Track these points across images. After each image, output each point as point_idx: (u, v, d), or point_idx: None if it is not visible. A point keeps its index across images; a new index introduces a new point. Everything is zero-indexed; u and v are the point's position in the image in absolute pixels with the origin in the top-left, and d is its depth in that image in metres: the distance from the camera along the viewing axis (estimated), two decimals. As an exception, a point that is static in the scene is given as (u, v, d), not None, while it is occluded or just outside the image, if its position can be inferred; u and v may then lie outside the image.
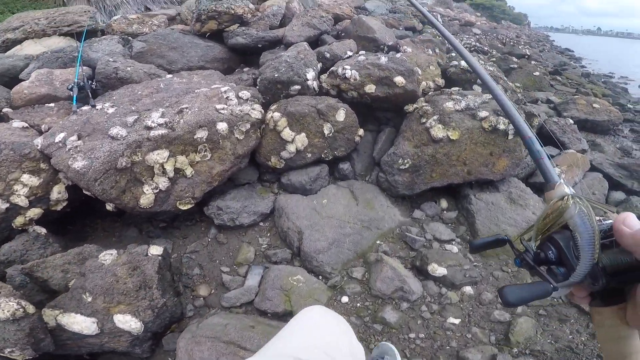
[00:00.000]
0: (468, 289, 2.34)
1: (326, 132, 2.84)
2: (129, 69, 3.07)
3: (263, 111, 2.80)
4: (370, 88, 3.11)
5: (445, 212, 2.89)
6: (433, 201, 2.94)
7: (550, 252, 0.60)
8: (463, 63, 3.89)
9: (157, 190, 2.29)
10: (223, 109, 2.55)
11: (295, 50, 3.19)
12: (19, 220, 2.20)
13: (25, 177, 2.20)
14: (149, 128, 2.29)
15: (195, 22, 3.92)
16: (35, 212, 2.25)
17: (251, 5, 4.03)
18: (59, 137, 2.27)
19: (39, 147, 2.27)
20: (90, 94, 2.77)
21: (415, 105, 3.18)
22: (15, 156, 2.20)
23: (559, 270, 0.58)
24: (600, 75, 10.84)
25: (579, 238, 0.54)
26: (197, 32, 3.93)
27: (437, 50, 4.41)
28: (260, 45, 3.85)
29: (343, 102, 3.10)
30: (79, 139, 2.27)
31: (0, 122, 2.60)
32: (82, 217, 2.64)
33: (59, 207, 2.34)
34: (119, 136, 2.22)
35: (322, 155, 2.92)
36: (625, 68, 15.20)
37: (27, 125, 2.57)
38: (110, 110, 2.50)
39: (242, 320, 2.00)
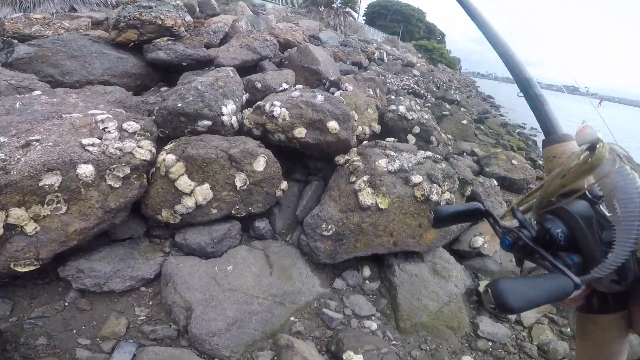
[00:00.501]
0: None
1: (239, 184, 2.21)
2: None
3: (154, 150, 2.16)
4: (300, 132, 2.60)
5: (367, 281, 2.49)
6: (356, 269, 2.52)
7: (558, 230, 0.40)
8: (401, 109, 3.38)
9: None
10: (92, 145, 1.84)
11: (214, 76, 2.48)
12: None
13: None
14: None
15: (112, 29, 3.03)
16: None
17: (188, 18, 3.26)
18: None
19: None
20: None
21: (347, 157, 2.76)
22: None
23: (571, 258, 0.39)
24: (515, 125, 11.42)
25: (617, 209, 0.35)
26: (112, 41, 3.06)
27: (377, 91, 3.96)
28: (185, 64, 3.09)
29: (267, 145, 2.58)
30: None
31: None
32: None
33: None
34: None
35: (233, 211, 2.34)
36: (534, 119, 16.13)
37: None
38: None
39: None
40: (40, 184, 1.66)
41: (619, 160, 0.37)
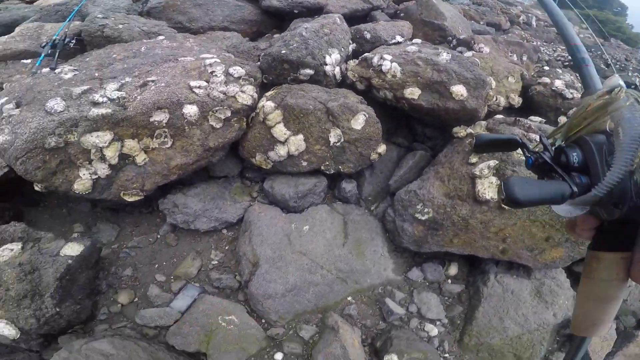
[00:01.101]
0: None
1: (332, 140, 2.17)
2: (120, 26, 2.57)
3: (256, 95, 2.24)
4: (413, 93, 2.32)
5: (449, 281, 2.23)
6: (441, 263, 2.26)
7: (574, 154, 0.48)
8: (557, 83, 2.83)
9: (96, 177, 1.88)
10: (199, 87, 1.98)
11: (320, 22, 2.39)
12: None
13: None
14: (95, 104, 1.85)
15: None
16: None
17: None
18: (0, 102, 1.90)
19: None
20: (57, 53, 2.22)
21: (470, 130, 2.38)
22: None
23: (580, 179, 0.47)
24: None
25: (620, 135, 0.42)
26: None
27: (524, 58, 3.29)
28: (296, 11, 3.04)
29: (370, 102, 2.39)
30: (17, 107, 1.88)
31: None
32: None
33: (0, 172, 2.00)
34: (53, 111, 1.80)
35: (322, 167, 2.30)
36: None
37: None
38: (67, 76, 2.07)
39: (134, 353, 1.62)
40: (151, 119, 1.88)
41: (632, 100, 0.43)
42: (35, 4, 3.91)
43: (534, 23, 6.50)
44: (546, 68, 3.48)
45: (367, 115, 2.22)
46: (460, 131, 2.36)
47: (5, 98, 1.91)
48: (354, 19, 3.19)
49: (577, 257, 2.01)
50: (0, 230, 1.76)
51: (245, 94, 2.13)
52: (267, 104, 2.14)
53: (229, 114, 2.05)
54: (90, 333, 1.81)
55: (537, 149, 0.54)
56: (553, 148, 0.51)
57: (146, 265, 2.06)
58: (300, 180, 2.28)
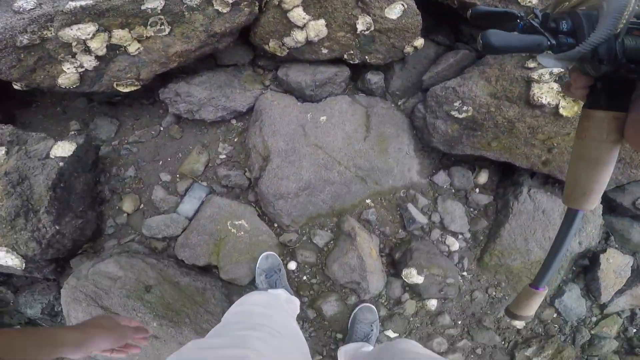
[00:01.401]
0: (431, 303, 1.93)
1: (360, 27, 1.88)
2: None
3: None
4: None
5: (477, 190, 2.10)
6: (470, 168, 2.10)
7: (563, 22, 0.51)
8: None
9: (83, 69, 1.68)
10: None
11: None
12: None
13: None
14: None
15: None
16: None
17: None
18: None
19: None
20: None
21: None
22: None
23: (566, 39, 0.50)
24: None
25: (604, 6, 0.45)
26: None
27: None
28: None
29: None
30: None
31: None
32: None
33: None
34: (22, 9, 1.56)
35: (346, 56, 2.01)
36: None
37: None
38: None
39: (142, 273, 1.64)
40: (143, 7, 1.58)
41: None
42: None
43: None
44: None
45: (405, 6, 1.82)
46: None
47: None
48: None
49: (624, 182, 1.84)
50: None
51: None
52: (283, -18, 1.74)
53: None
54: (100, 251, 1.79)
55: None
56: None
57: (149, 162, 1.97)
58: (319, 68, 2.01)
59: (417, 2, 1.89)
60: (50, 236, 1.51)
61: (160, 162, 1.97)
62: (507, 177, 2.09)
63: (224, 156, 2.00)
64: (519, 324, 2.05)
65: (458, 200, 2.02)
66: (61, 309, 1.81)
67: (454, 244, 1.93)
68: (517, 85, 1.77)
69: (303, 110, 1.96)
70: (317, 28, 1.84)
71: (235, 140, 2.03)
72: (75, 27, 1.54)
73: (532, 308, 1.16)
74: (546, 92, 1.70)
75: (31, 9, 1.54)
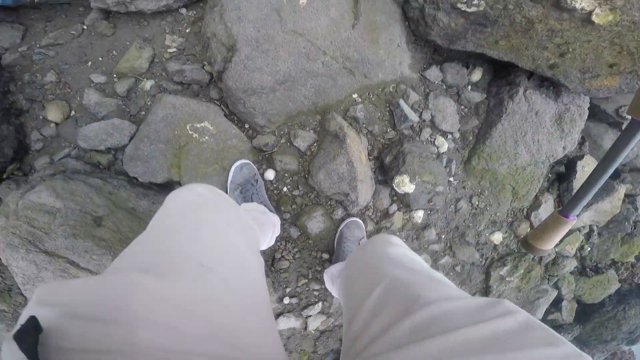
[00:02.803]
0: (418, 215, 1.84)
1: None
2: None
3: None
4: None
5: (470, 87, 1.95)
6: (464, 64, 1.92)
7: None
8: None
9: None
10: None
11: None
12: None
13: None
14: None
15: None
16: None
17: None
18: None
19: None
20: None
21: None
22: None
23: None
24: None
25: None
26: None
27: None
28: None
29: None
30: None
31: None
32: None
33: None
34: None
35: None
36: None
37: None
38: None
39: (87, 200, 1.26)
40: None
41: None
42: None
43: None
44: None
45: None
46: None
47: None
48: None
49: (625, 91, 1.78)
50: None
51: None
52: None
53: None
54: (31, 173, 1.43)
55: None
56: None
57: (74, 65, 1.51)
58: None
59: None
60: None
61: (89, 64, 1.54)
62: (500, 76, 1.96)
63: (174, 50, 1.56)
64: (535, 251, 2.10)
65: (450, 97, 1.87)
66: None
67: (444, 145, 1.82)
68: None
69: None
70: None
71: (188, 31, 1.59)
72: None
73: (555, 239, 1.05)
74: None
75: None
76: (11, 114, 1.46)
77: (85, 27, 1.56)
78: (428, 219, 1.87)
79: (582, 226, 2.32)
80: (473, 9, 1.56)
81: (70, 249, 1.21)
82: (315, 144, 1.62)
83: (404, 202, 1.75)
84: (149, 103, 1.52)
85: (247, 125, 1.58)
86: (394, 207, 1.76)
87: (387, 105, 1.75)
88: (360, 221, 1.66)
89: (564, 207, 1.00)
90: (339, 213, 1.66)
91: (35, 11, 1.57)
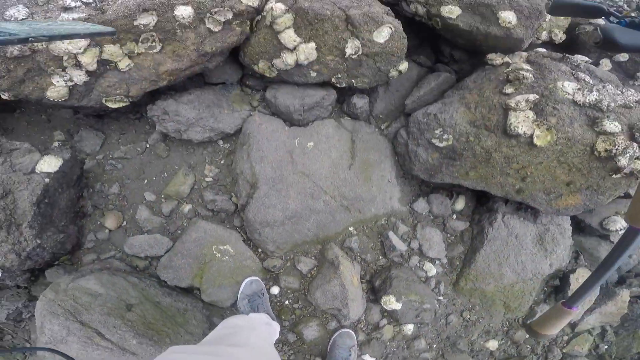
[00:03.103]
0: (408, 328, 2.06)
1: (349, 51, 1.99)
2: None
3: None
4: (452, 12, 2.03)
5: (455, 216, 2.27)
6: (448, 195, 2.28)
7: None
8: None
9: (72, 83, 1.69)
10: None
11: None
12: None
13: None
14: (65, 9, 1.60)
15: None
16: None
17: None
18: None
19: None
20: None
21: (507, 60, 2.14)
22: None
23: None
24: None
25: None
26: None
27: None
28: None
29: (396, 15, 2.09)
30: None
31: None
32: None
33: None
34: (13, 19, 1.56)
35: (333, 79, 2.11)
36: None
37: None
38: None
39: (124, 291, 1.68)
40: (135, 23, 1.62)
41: None
42: None
43: None
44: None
45: (393, 29, 1.94)
46: (496, 59, 2.14)
47: None
48: None
49: (591, 207, 2.04)
50: None
51: None
52: (276, 5, 1.82)
53: (230, 16, 1.75)
54: (78, 264, 1.82)
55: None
56: None
57: (134, 180, 2.01)
58: (307, 91, 2.11)
59: (402, 21, 2.01)
60: (30, 249, 1.56)
61: (145, 181, 2.01)
62: (482, 203, 2.28)
63: (211, 179, 2.06)
64: (526, 338, 2.14)
65: (436, 227, 2.19)
66: (29, 316, 1.84)
67: (432, 270, 2.10)
68: (495, 112, 1.93)
69: (291, 135, 2.06)
70: (308, 51, 1.92)
71: (222, 162, 2.09)
72: (66, 40, 1.54)
73: (557, 327, 1.19)
74: (522, 121, 1.86)
75: (23, 19, 1.55)
76: (78, 217, 1.83)
77: (147, 146, 2.04)
78: (418, 331, 2.08)
79: (591, 328, 2.40)
80: (444, 144, 1.97)
81: (102, 323, 1.58)
82: (315, 268, 1.98)
83: (393, 317, 1.99)
84: (185, 224, 1.98)
85: (260, 250, 1.99)
86: (384, 321, 2.01)
87: (379, 236, 2.11)
88: (352, 332, 1.91)
89: (567, 300, 1.08)
90: (333, 324, 1.93)
91: (114, 122, 2.10)
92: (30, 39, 0.60)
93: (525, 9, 1.95)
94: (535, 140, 1.83)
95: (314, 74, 2.02)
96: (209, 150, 2.10)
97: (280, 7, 1.81)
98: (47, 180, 1.60)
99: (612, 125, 1.77)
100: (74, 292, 1.58)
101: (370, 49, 1.95)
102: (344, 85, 2.10)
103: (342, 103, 2.29)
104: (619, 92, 1.89)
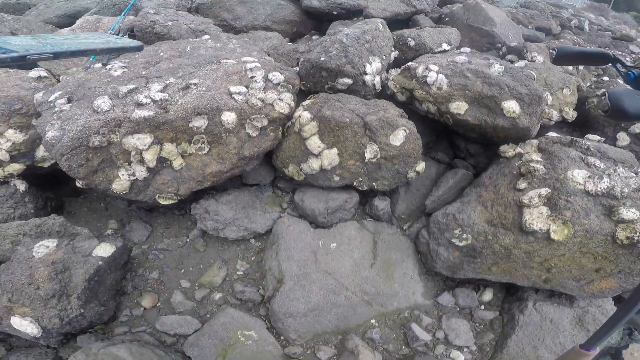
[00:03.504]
0: None
1: (368, 156, 2.26)
2: (169, 23, 2.68)
3: (293, 104, 2.32)
4: (459, 107, 2.30)
5: (482, 307, 2.22)
6: (474, 288, 2.26)
7: None
8: None
9: (134, 178, 2.02)
10: (238, 93, 2.14)
11: (361, 28, 2.40)
12: (-1, 173, 2.17)
13: (10, 133, 2.11)
14: (139, 105, 1.98)
15: None
16: (15, 167, 2.16)
17: None
18: (54, 96, 2.08)
19: (36, 103, 2.15)
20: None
21: (519, 150, 2.31)
22: (4, 110, 2.12)
23: None
24: None
25: None
26: None
27: (580, 67, 3.09)
28: (335, 13, 3.08)
29: (410, 114, 2.41)
30: (68, 102, 2.04)
31: (23, 69, 2.54)
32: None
33: (46, 164, 2.23)
34: (100, 109, 1.94)
35: (355, 183, 2.35)
36: None
37: (46, 74, 2.50)
38: (117, 73, 2.23)
39: None
40: (190, 125, 2.00)
41: None
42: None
43: (586, 27, 6.17)
44: (605, 78, 3.28)
45: (407, 131, 2.21)
46: (508, 150, 2.30)
47: (59, 92, 2.10)
48: (395, 23, 3.17)
49: (629, 288, 1.94)
50: (40, 223, 1.95)
51: (283, 102, 2.19)
52: (303, 114, 2.19)
53: (265, 122, 2.12)
54: (110, 334, 1.95)
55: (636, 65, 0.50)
56: None
57: (173, 269, 2.21)
58: (331, 195, 2.35)
59: (415, 121, 2.26)
60: (73, 316, 1.73)
61: (183, 270, 2.22)
62: (511, 293, 2.22)
63: (241, 272, 2.24)
64: None
65: (463, 317, 2.14)
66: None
67: (459, 357, 1.99)
68: (511, 210, 2.01)
69: (316, 237, 2.25)
70: (331, 157, 2.20)
71: (253, 259, 2.30)
72: (136, 135, 1.93)
73: None
74: (537, 218, 1.92)
75: (107, 110, 1.94)
76: (118, 294, 2.01)
77: (188, 240, 2.29)
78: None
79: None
80: (464, 243, 2.01)
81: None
82: (334, 357, 1.96)
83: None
84: (214, 310, 2.09)
85: (282, 337, 2.02)
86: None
87: (402, 327, 2.09)
88: None
89: (585, 343, 1.08)
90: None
91: (162, 216, 2.36)
92: (29, 56, 0.57)
93: (526, 96, 2.18)
94: (553, 235, 1.84)
95: (337, 178, 2.29)
96: (241, 248, 2.31)
97: (306, 115, 2.20)
98: (100, 262, 1.84)
99: (629, 213, 1.78)
100: (104, 357, 1.67)
101: (388, 152, 2.22)
102: (365, 188, 2.33)
103: (365, 205, 2.49)
104: (633, 175, 1.93)
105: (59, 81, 2.43)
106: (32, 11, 3.96)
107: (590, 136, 2.42)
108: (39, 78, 2.41)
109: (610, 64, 0.57)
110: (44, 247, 1.80)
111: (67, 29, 3.05)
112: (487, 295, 2.20)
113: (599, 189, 1.85)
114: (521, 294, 2.14)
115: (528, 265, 1.94)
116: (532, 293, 2.11)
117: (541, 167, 2.01)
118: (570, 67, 3.12)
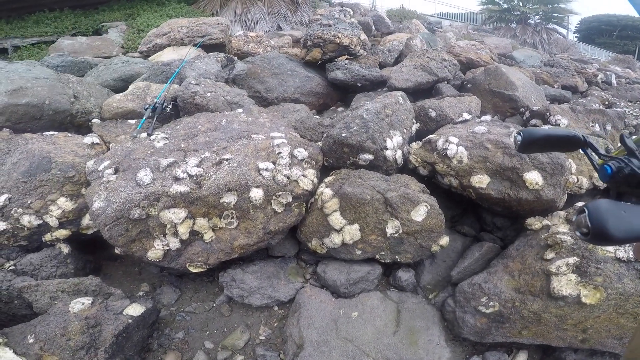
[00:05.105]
0: None
1: (389, 231, 2.36)
2: (208, 95, 2.89)
3: (316, 180, 2.50)
4: (481, 181, 2.36)
5: None
6: (507, 351, 2.17)
7: None
8: None
9: (168, 248, 2.20)
10: (266, 169, 2.33)
11: (382, 102, 2.50)
12: (47, 237, 2.38)
13: (62, 200, 2.34)
14: (176, 179, 2.20)
15: (302, 47, 3.49)
16: (62, 233, 2.39)
17: (363, 37, 3.49)
18: (103, 165, 2.36)
19: (87, 171, 2.42)
20: (155, 118, 2.47)
21: (546, 222, 2.31)
22: (59, 177, 2.36)
23: None
24: None
25: None
26: (302, 60, 3.51)
27: (608, 128, 3.06)
28: (359, 84, 3.21)
29: (432, 188, 2.50)
30: (115, 172, 2.32)
31: (78, 135, 2.80)
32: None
33: (90, 232, 2.45)
34: (141, 182, 2.17)
35: (377, 256, 2.43)
36: None
37: (98, 141, 2.76)
38: (159, 144, 2.51)
39: None
40: (221, 200, 2.23)
41: None
42: (149, 58, 4.70)
43: (614, 81, 6.07)
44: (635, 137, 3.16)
45: (429, 207, 2.25)
46: (535, 223, 2.30)
47: (108, 162, 2.38)
48: (419, 92, 3.26)
49: None
50: (78, 282, 2.13)
51: (307, 179, 2.32)
52: (325, 191, 2.29)
53: (290, 199, 2.26)
54: None
55: (613, 154, 0.43)
56: None
57: (198, 330, 2.34)
58: (353, 267, 2.45)
59: (440, 195, 2.23)
60: None
61: (207, 333, 2.33)
62: (548, 353, 2.14)
63: (263, 337, 2.34)
64: None
65: None
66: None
67: None
68: (538, 278, 2.05)
69: (337, 306, 2.34)
70: (352, 232, 2.27)
71: (275, 325, 2.41)
72: (172, 210, 2.16)
73: None
74: (566, 285, 1.94)
75: (147, 183, 2.17)
76: (143, 350, 2.11)
77: (214, 305, 2.44)
78: None
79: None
80: (490, 310, 1.99)
81: None
82: None
83: None
84: None
85: None
86: None
87: None
88: None
89: None
90: None
91: (191, 282, 2.50)
92: None
93: (548, 165, 2.23)
94: (584, 300, 1.87)
95: (358, 252, 2.39)
96: (265, 314, 2.43)
97: (328, 192, 2.34)
98: (129, 321, 1.99)
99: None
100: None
101: (410, 227, 2.30)
102: (388, 261, 2.41)
103: (389, 276, 2.55)
104: (667, 240, 1.85)
105: (109, 149, 2.69)
106: (93, 71, 4.20)
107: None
108: (92, 145, 2.69)
109: (581, 150, 0.48)
110: (80, 304, 1.98)
111: (121, 94, 3.25)
112: (521, 357, 2.14)
113: (630, 256, 1.85)
114: (559, 354, 2.07)
115: (561, 327, 1.95)
116: (570, 353, 2.05)
117: (568, 238, 2.03)
118: (597, 128, 3.05)
